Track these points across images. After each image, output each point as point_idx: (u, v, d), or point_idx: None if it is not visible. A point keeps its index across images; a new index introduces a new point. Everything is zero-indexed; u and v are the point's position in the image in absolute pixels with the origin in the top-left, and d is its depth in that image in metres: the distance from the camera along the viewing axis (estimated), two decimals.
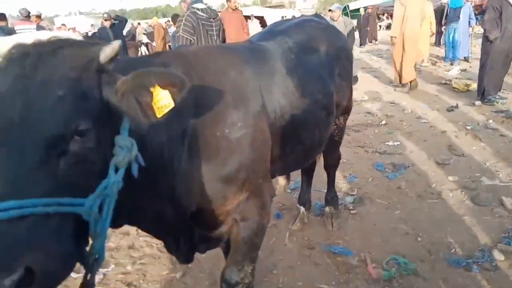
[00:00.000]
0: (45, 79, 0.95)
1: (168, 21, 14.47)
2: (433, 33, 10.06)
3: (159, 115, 1.10)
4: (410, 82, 7.39)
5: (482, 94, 6.09)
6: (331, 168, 3.05)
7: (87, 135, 0.97)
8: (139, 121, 1.09)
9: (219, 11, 5.67)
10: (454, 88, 7.14)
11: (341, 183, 3.69)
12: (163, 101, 1.09)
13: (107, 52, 1.04)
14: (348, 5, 26.58)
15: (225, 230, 1.65)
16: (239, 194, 1.55)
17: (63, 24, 16.79)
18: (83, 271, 1.05)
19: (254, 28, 11.60)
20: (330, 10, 7.65)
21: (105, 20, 9.28)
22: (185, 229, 1.59)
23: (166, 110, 1.10)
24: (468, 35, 9.93)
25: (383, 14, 24.83)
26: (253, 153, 1.54)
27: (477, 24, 10.66)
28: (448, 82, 7.69)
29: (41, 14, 8.95)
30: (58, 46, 1.02)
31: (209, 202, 1.47)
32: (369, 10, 17.98)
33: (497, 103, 5.94)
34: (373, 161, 4.18)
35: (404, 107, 6.30)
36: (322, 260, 2.61)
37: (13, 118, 0.89)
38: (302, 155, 2.09)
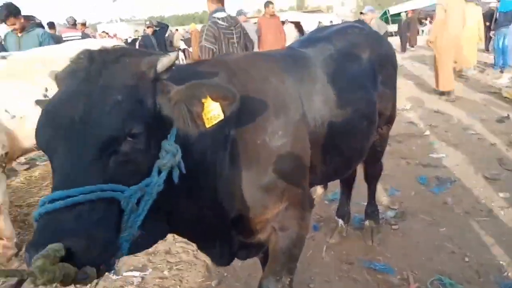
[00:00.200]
0: (106, 85, 1.04)
1: None
2: (481, 39, 9.57)
3: (208, 125, 1.16)
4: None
5: None
6: (372, 180, 2.95)
7: (139, 137, 1.04)
8: (188, 129, 1.15)
9: (256, 17, 5.75)
10: (505, 97, 6.73)
11: (382, 196, 3.56)
12: (213, 112, 1.15)
13: (164, 62, 1.12)
14: (388, 10, 25.96)
15: (263, 238, 1.65)
16: (278, 204, 1.55)
17: (104, 31, 17.62)
18: None
19: (289, 32, 11.55)
20: (361, 13, 7.52)
21: (148, 27, 9.64)
22: (225, 234, 1.60)
23: (215, 121, 1.16)
24: None
25: (426, 19, 23.84)
26: (292, 162, 1.55)
27: None
28: (497, 91, 7.27)
29: (85, 22, 9.47)
30: (120, 54, 1.12)
31: (248, 209, 1.49)
32: (410, 15, 17.41)
33: None
34: (416, 174, 3.99)
35: (449, 117, 5.99)
36: (361, 277, 2.51)
37: (74, 118, 0.98)
38: (342, 165, 2.06)
